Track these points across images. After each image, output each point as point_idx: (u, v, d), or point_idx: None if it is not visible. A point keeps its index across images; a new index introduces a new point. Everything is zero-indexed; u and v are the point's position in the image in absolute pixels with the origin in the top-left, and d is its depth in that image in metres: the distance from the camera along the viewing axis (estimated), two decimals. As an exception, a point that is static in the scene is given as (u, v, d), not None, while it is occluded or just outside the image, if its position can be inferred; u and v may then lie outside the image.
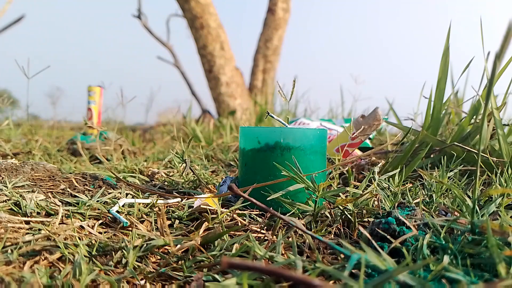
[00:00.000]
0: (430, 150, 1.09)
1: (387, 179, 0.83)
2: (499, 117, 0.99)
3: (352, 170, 1.08)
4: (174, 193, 0.94)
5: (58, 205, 0.71)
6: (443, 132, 1.32)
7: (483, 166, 0.95)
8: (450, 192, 0.80)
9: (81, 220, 0.66)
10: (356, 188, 0.76)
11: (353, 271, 0.45)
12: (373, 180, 0.78)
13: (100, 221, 0.67)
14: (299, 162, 0.73)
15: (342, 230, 0.65)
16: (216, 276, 0.46)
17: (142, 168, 1.21)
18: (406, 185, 0.89)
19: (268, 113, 0.90)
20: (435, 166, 1.06)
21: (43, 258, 0.50)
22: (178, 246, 0.54)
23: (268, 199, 0.68)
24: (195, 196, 0.81)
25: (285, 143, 0.78)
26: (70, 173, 1.07)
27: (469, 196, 0.71)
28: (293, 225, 0.53)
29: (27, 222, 0.63)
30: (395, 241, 0.50)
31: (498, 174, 0.85)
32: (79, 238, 0.58)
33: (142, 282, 0.47)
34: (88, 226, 0.63)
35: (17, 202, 0.71)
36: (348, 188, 0.71)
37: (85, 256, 0.51)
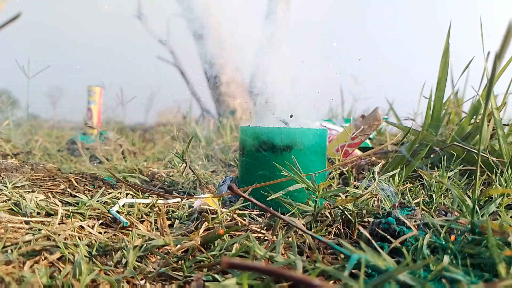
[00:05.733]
0: (430, 150, 1.09)
1: (387, 179, 0.83)
2: (499, 117, 0.99)
3: (352, 170, 1.08)
4: (174, 193, 0.94)
5: (58, 205, 0.71)
6: (443, 132, 1.32)
7: (483, 166, 0.95)
8: (450, 192, 0.80)
9: (81, 220, 0.66)
10: (356, 188, 0.76)
11: (353, 271, 0.45)
12: (373, 180, 0.78)
13: (100, 221, 0.67)
14: (299, 162, 0.73)
15: (342, 230, 0.65)
16: (216, 276, 0.46)
17: (142, 168, 1.21)
18: (406, 185, 0.89)
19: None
20: (435, 166, 1.05)
21: (43, 258, 0.50)
22: (178, 246, 0.54)
23: (268, 199, 0.68)
24: (195, 196, 0.81)
25: (285, 143, 0.78)
26: (70, 173, 1.07)
27: (469, 196, 0.71)
28: (293, 225, 0.53)
29: (27, 222, 0.63)
30: (395, 241, 0.50)
31: (498, 174, 0.85)
32: (79, 238, 0.57)
33: (142, 282, 0.47)
34: (88, 226, 0.63)
35: (17, 202, 0.71)
36: (348, 188, 0.71)
37: (85, 256, 0.51)
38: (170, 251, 0.54)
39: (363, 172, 1.10)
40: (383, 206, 0.71)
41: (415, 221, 0.57)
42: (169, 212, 0.75)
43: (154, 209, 0.75)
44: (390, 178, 0.83)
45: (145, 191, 0.88)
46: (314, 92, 0.89)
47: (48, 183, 0.93)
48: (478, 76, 1.21)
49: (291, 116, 0.86)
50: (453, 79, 1.55)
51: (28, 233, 0.58)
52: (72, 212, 0.68)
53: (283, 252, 0.53)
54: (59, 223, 0.63)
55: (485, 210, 0.59)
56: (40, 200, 0.73)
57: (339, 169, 1.05)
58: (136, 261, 0.52)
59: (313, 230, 0.65)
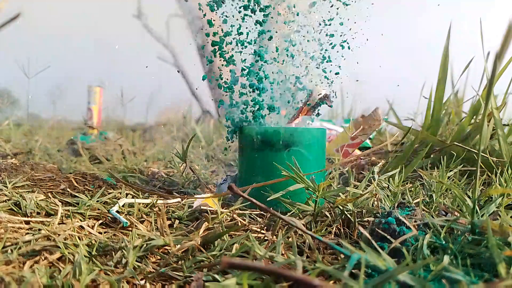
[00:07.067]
0: (430, 150, 1.09)
1: (387, 179, 0.83)
2: (499, 117, 0.99)
3: (352, 170, 1.08)
4: (174, 193, 0.94)
5: (58, 205, 0.71)
6: (443, 132, 1.32)
7: (483, 166, 0.95)
8: (450, 192, 0.80)
9: (81, 220, 0.66)
10: (356, 188, 0.76)
11: (353, 271, 0.45)
12: (372, 180, 0.78)
13: (100, 221, 0.67)
14: (298, 162, 0.74)
15: (342, 230, 0.65)
16: (216, 276, 0.46)
17: (142, 168, 1.21)
18: (406, 185, 0.88)
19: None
20: (435, 166, 1.05)
21: (43, 258, 0.50)
22: (178, 246, 0.54)
23: (268, 199, 0.68)
24: (195, 196, 0.81)
25: (283, 142, 0.78)
26: (70, 173, 1.07)
27: (469, 196, 0.71)
28: (293, 225, 0.53)
29: (27, 222, 0.63)
30: (395, 241, 0.50)
31: (498, 174, 0.85)
32: (79, 238, 0.57)
33: (142, 282, 0.47)
34: (88, 226, 0.63)
35: (17, 202, 0.71)
36: (348, 188, 0.71)
37: (85, 256, 0.51)
38: (170, 251, 0.54)
39: (363, 172, 1.10)
40: (383, 206, 0.71)
41: (415, 221, 0.57)
42: (169, 212, 0.75)
43: (154, 209, 0.75)
44: (390, 178, 0.83)
45: (145, 191, 0.88)
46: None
47: (48, 183, 0.93)
48: (478, 76, 1.22)
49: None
50: (453, 79, 1.55)
51: (28, 233, 0.58)
52: (72, 212, 0.68)
53: (283, 252, 0.53)
54: (59, 223, 0.63)
55: (485, 210, 0.59)
56: (40, 200, 0.73)
57: (339, 169, 1.05)
58: (136, 261, 0.52)
59: (313, 230, 0.65)
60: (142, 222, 0.69)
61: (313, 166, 0.80)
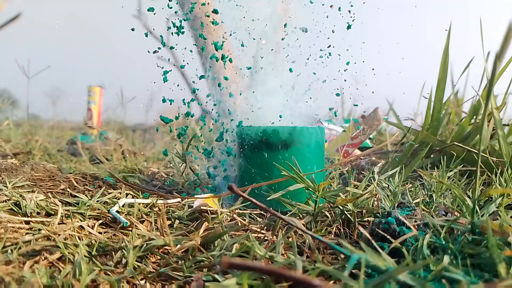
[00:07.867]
0: (430, 150, 1.08)
1: (387, 179, 0.83)
2: (499, 117, 0.99)
3: (352, 170, 1.08)
4: (174, 193, 0.94)
5: (58, 205, 0.71)
6: (443, 132, 1.32)
7: (483, 166, 0.95)
8: (450, 192, 0.80)
9: (81, 220, 0.66)
10: (356, 188, 0.76)
11: (353, 271, 0.45)
12: (372, 180, 0.78)
13: (100, 221, 0.67)
14: (298, 161, 0.74)
15: (342, 230, 0.65)
16: (216, 276, 0.46)
17: (142, 168, 1.21)
18: (406, 185, 0.88)
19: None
20: (435, 166, 1.05)
21: (43, 258, 0.50)
22: (178, 246, 0.54)
23: (268, 199, 0.68)
24: (195, 196, 0.81)
25: (282, 142, 0.78)
26: (70, 173, 1.07)
27: (469, 196, 0.71)
28: (293, 225, 0.53)
29: (27, 222, 0.63)
30: (395, 241, 0.50)
31: (498, 174, 0.85)
32: (79, 238, 0.57)
33: (142, 282, 0.47)
34: (88, 226, 0.63)
35: (17, 202, 0.71)
36: (348, 188, 0.71)
37: (85, 256, 0.51)
38: (170, 251, 0.54)
39: (363, 172, 1.10)
40: (383, 206, 0.71)
41: (415, 221, 0.57)
42: (169, 212, 0.75)
43: (154, 209, 0.75)
44: (390, 178, 0.83)
45: (145, 191, 0.88)
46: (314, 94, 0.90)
47: (48, 183, 0.92)
48: (478, 76, 1.22)
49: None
50: (453, 79, 1.55)
51: (28, 233, 0.58)
52: (72, 212, 0.68)
53: (283, 252, 0.53)
54: (59, 223, 0.63)
55: (485, 210, 0.59)
56: (40, 200, 0.73)
57: (339, 169, 1.05)
58: (136, 261, 0.52)
59: (313, 230, 0.65)
60: (142, 222, 0.69)
61: (312, 165, 0.80)
